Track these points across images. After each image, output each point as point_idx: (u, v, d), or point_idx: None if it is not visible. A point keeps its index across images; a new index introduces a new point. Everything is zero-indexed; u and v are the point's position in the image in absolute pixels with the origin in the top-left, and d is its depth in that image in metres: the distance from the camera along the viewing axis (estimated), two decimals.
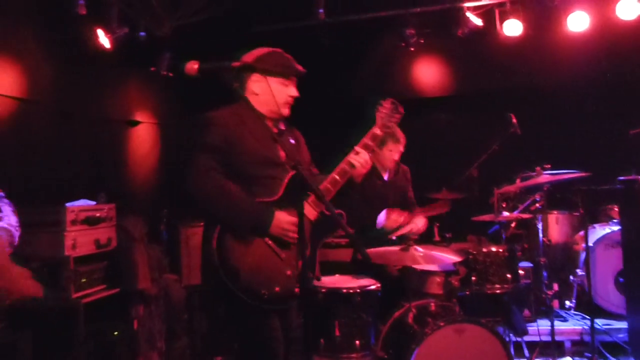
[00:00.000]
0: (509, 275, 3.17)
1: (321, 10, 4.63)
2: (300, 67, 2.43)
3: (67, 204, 3.38)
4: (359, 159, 2.45)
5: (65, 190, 3.91)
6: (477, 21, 4.96)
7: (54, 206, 3.31)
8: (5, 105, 3.67)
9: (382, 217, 3.61)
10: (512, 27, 5.03)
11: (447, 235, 4.44)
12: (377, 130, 2.54)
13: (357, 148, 2.48)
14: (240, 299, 2.21)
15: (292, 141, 2.47)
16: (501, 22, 5.02)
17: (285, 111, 2.44)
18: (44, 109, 3.99)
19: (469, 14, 4.93)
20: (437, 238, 4.71)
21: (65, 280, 3.21)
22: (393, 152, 3.68)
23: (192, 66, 2.00)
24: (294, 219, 2.25)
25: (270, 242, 2.27)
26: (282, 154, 2.40)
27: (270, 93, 2.35)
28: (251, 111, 2.30)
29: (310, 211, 2.34)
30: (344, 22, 5.09)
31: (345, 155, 2.48)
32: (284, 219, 2.27)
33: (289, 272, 2.27)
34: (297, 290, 2.26)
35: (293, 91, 2.44)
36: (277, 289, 2.23)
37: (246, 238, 2.24)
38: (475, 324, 2.86)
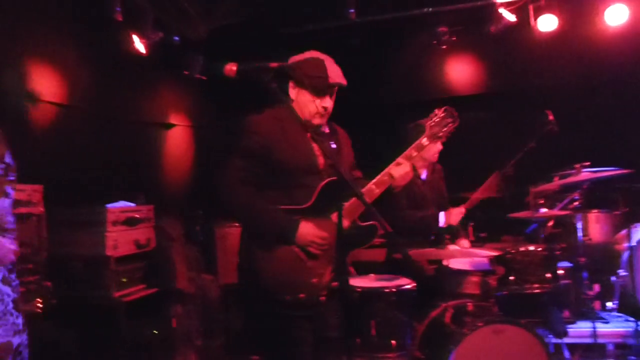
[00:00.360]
0: (548, 275, 3.10)
1: (352, 10, 4.62)
2: (336, 78, 2.36)
3: (108, 205, 3.47)
4: (400, 170, 2.39)
5: (105, 192, 4.02)
6: (511, 17, 4.88)
7: (96, 207, 3.40)
8: (48, 111, 3.79)
9: (442, 218, 3.60)
10: (547, 22, 4.93)
11: (482, 235, 4.38)
12: (424, 141, 2.47)
13: (399, 159, 2.42)
14: (265, 302, 2.24)
15: (334, 145, 2.44)
16: (535, 18, 4.92)
17: (316, 121, 2.40)
18: (83, 114, 4.10)
19: (502, 10, 4.85)
20: (471, 238, 4.64)
21: (107, 279, 3.29)
22: (437, 143, 3.65)
23: (231, 68, 2.03)
24: (320, 232, 2.24)
25: (297, 249, 2.27)
26: (320, 160, 2.39)
27: (306, 103, 2.35)
28: (291, 115, 2.33)
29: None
30: (375, 22, 5.08)
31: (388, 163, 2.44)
32: (308, 231, 2.24)
33: (314, 280, 2.27)
34: (322, 298, 2.27)
35: (326, 102, 2.38)
36: (301, 295, 2.24)
37: (274, 244, 2.25)
38: (514, 324, 2.82)
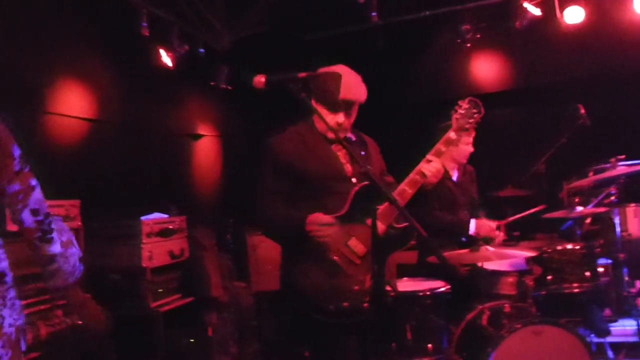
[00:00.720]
0: (587, 274, 3.03)
1: (374, 14, 4.61)
2: (345, 96, 2.31)
3: (142, 218, 3.53)
4: (431, 168, 2.34)
5: (138, 204, 4.09)
6: (535, 11, 4.80)
7: (131, 220, 3.47)
8: (79, 127, 3.89)
9: (473, 225, 3.55)
10: (574, 15, 4.83)
11: (515, 234, 4.30)
12: (452, 135, 2.41)
13: (428, 156, 2.38)
14: (309, 313, 2.24)
15: (362, 152, 2.43)
16: (561, 10, 4.83)
17: (330, 135, 2.37)
18: (114, 128, 4.20)
19: (526, 4, 4.78)
20: (504, 237, 4.56)
21: (143, 290, 3.35)
22: (469, 145, 3.60)
23: (260, 79, 2.04)
24: (324, 217, 2.23)
25: (336, 258, 2.26)
26: (347, 167, 2.39)
27: (322, 116, 2.31)
28: (313, 128, 2.36)
29: (377, 225, 2.25)
30: (397, 23, 5.06)
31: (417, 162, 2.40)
32: (313, 220, 2.24)
33: (356, 288, 2.25)
34: (365, 305, 2.25)
35: (339, 118, 2.35)
36: (345, 304, 2.23)
37: (314, 255, 2.25)
38: (554, 325, 2.75)
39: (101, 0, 3.93)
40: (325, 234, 2.23)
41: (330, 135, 2.36)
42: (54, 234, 1.64)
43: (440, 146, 2.40)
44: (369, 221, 2.26)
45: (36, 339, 2.65)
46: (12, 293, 1.58)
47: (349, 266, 2.25)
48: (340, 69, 2.37)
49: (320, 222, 2.22)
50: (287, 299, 2.32)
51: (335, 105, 2.33)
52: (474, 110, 2.43)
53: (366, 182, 2.27)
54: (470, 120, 2.43)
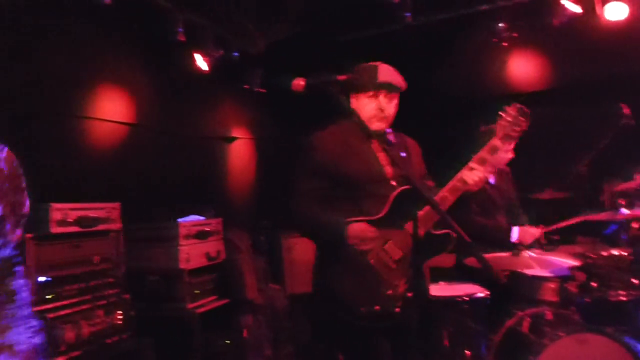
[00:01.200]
0: (634, 281, 2.92)
1: (408, 14, 4.56)
2: (383, 79, 2.34)
3: (180, 220, 3.58)
4: (473, 176, 2.28)
5: (175, 206, 4.15)
6: (575, 8, 4.66)
7: (169, 222, 3.52)
8: (118, 131, 3.98)
9: (515, 232, 3.46)
10: (615, 11, 4.66)
11: (555, 238, 4.18)
12: (497, 142, 2.34)
13: (471, 164, 2.32)
14: (341, 315, 2.22)
15: (403, 154, 2.40)
16: (602, 6, 4.67)
17: (374, 125, 2.35)
18: (151, 132, 4.27)
19: (564, 2, 4.64)
20: (543, 241, 4.45)
21: (181, 292, 3.39)
22: (508, 152, 3.53)
23: (299, 82, 2.03)
24: (367, 228, 2.20)
25: (372, 261, 2.23)
26: (387, 169, 2.37)
27: (363, 107, 2.34)
28: (355, 127, 2.33)
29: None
30: (432, 23, 4.99)
31: (459, 168, 2.35)
32: (355, 229, 2.21)
33: (389, 292, 2.22)
34: (397, 310, 2.21)
35: (380, 103, 2.35)
36: (377, 307, 2.20)
37: (348, 257, 2.23)
38: (600, 333, 2.66)
39: (138, 7, 4.00)
40: (368, 247, 2.21)
41: (374, 125, 2.33)
42: None
43: (484, 154, 2.34)
44: (407, 226, 2.24)
45: (78, 338, 2.71)
46: (25, 311, 1.61)
47: (384, 270, 2.23)
48: (375, 63, 2.40)
49: (365, 237, 2.20)
50: (319, 300, 2.31)
51: (374, 89, 2.33)
52: (522, 118, 2.36)
53: (407, 187, 2.24)
54: (517, 129, 2.35)
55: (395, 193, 2.27)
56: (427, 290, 2.70)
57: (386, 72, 2.36)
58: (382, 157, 2.38)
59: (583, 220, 3.57)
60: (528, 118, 2.38)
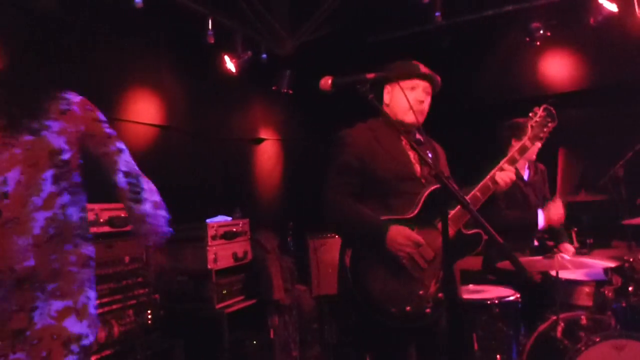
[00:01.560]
0: None
1: (438, 14, 4.51)
2: (426, 70, 2.35)
3: (208, 220, 3.61)
4: (504, 176, 2.32)
5: (204, 206, 4.20)
6: (612, 7, 4.54)
7: (197, 223, 3.55)
8: (149, 133, 4.04)
9: (541, 217, 3.40)
10: None
11: (588, 241, 4.08)
12: (527, 143, 2.42)
13: (502, 164, 2.35)
14: (371, 317, 2.18)
15: (430, 154, 2.37)
16: None
17: (410, 118, 2.32)
18: (179, 133, 4.33)
19: (601, 0, 4.53)
20: (576, 244, 4.33)
21: (209, 292, 3.42)
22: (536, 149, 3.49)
23: (327, 81, 2.02)
24: (412, 235, 2.16)
25: (405, 261, 2.19)
26: (417, 168, 2.34)
27: (401, 98, 2.30)
28: (385, 125, 2.33)
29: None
30: (462, 23, 4.92)
31: (490, 167, 2.37)
32: (398, 233, 2.16)
33: (421, 292, 2.19)
34: (428, 310, 2.18)
35: (419, 95, 2.33)
36: (408, 308, 2.17)
37: (379, 256, 2.19)
38: (637, 339, 2.57)
39: (168, 10, 4.06)
40: (408, 251, 2.16)
41: (409, 118, 2.31)
42: (145, 194, 1.71)
43: (515, 154, 2.39)
44: (439, 225, 2.21)
45: (109, 337, 2.75)
46: (94, 277, 1.65)
47: (416, 270, 2.19)
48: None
49: (408, 243, 2.15)
50: (348, 299, 2.24)
51: (418, 78, 2.32)
52: (549, 119, 2.46)
53: (438, 185, 2.21)
54: (545, 129, 2.46)
55: (427, 192, 2.24)
56: (457, 291, 2.65)
57: (425, 69, 2.37)
58: (412, 155, 2.36)
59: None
60: (555, 118, 2.47)
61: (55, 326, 1.55)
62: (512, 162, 2.36)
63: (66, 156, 1.57)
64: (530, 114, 2.49)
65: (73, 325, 1.58)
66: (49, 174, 1.54)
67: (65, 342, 1.56)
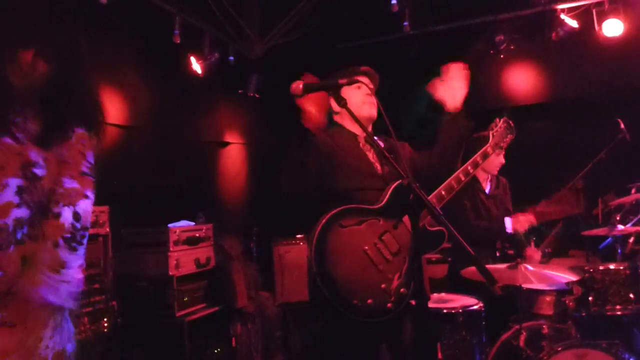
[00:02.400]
0: (631, 295, 2.89)
1: (406, 23, 4.55)
2: (365, 69, 2.47)
3: (170, 225, 3.50)
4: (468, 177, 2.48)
5: (165, 210, 4.08)
6: (573, 23, 4.69)
7: (159, 227, 3.45)
8: (110, 133, 3.89)
9: (508, 223, 3.48)
10: (612, 27, 4.70)
11: (547, 250, 4.16)
12: (489, 149, 2.61)
13: (466, 166, 2.50)
14: (336, 309, 2.13)
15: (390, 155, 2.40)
16: (599, 23, 4.71)
17: (364, 112, 2.39)
18: (143, 134, 4.21)
19: (563, 16, 4.67)
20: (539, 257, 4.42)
21: (170, 299, 3.31)
22: (499, 156, 3.57)
23: (297, 86, 2.00)
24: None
25: (369, 251, 2.18)
26: (377, 166, 2.39)
27: (353, 106, 2.26)
28: (344, 131, 2.42)
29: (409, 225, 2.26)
30: (430, 33, 4.99)
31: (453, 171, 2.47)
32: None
33: (383, 286, 2.16)
34: (389, 305, 2.15)
35: (367, 90, 2.40)
36: (369, 301, 2.13)
37: (345, 245, 2.17)
38: (598, 348, 2.62)
39: (135, 7, 3.95)
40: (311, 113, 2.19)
41: (365, 111, 2.40)
42: (81, 250, 1.56)
43: (477, 158, 2.56)
44: (405, 219, 2.24)
45: None
46: (63, 315, 1.52)
47: (379, 261, 2.18)
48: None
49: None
50: (315, 295, 2.18)
51: (357, 75, 2.42)
52: (508, 131, 2.70)
53: (404, 180, 2.21)
54: (505, 139, 2.69)
55: (393, 185, 2.28)
56: (425, 290, 2.64)
57: (366, 68, 2.50)
58: (371, 155, 2.41)
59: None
60: (513, 131, 2.70)
61: None
62: (474, 165, 2.53)
63: (39, 171, 1.46)
64: (492, 125, 2.70)
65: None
66: (13, 182, 1.43)
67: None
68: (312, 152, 2.31)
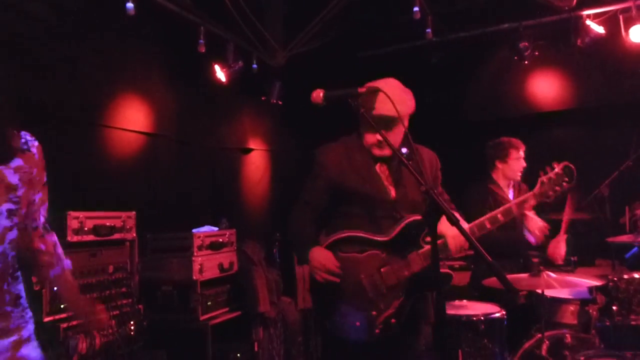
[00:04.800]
0: None
1: (428, 30, 4.55)
2: (378, 111, 2.19)
3: (194, 230, 3.57)
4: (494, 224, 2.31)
5: (189, 216, 4.16)
6: (599, 29, 4.62)
7: (184, 232, 3.51)
8: (137, 140, 4.00)
9: (529, 236, 3.43)
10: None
11: (573, 259, 4.10)
12: (531, 199, 2.31)
13: (498, 212, 2.30)
14: (329, 327, 2.20)
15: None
16: (626, 29, 4.63)
17: (375, 152, 2.30)
18: (168, 141, 4.30)
19: (589, 22, 4.61)
20: (559, 262, 4.36)
21: (193, 303, 3.37)
22: (520, 160, 3.54)
23: (318, 94, 2.02)
24: (328, 261, 2.17)
25: (365, 281, 2.21)
26: (391, 190, 2.32)
27: (365, 134, 2.31)
28: (360, 145, 2.34)
29: (416, 262, 2.22)
30: (453, 40, 4.98)
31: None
32: (316, 257, 2.20)
33: (373, 313, 2.19)
34: (377, 331, 2.17)
35: (380, 136, 2.14)
36: (357, 323, 2.17)
37: (344, 271, 2.19)
38: (621, 358, 2.58)
39: (161, 18, 4.05)
40: (321, 278, 2.18)
41: (375, 152, 2.30)
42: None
43: (512, 207, 2.32)
44: (410, 256, 2.23)
45: (90, 348, 2.70)
46: (29, 313, 1.64)
47: (374, 291, 2.20)
48: (384, 82, 2.27)
49: (326, 268, 2.17)
50: (316, 312, 2.31)
51: (372, 121, 2.13)
52: (565, 179, 2.28)
53: (418, 217, 2.24)
54: (557, 188, 2.29)
55: (406, 221, 2.24)
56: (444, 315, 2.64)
57: (383, 103, 2.15)
58: (384, 177, 2.33)
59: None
60: (573, 179, 2.28)
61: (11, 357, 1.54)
62: (507, 214, 2.30)
63: (20, 192, 1.59)
64: (547, 168, 2.31)
65: (30, 352, 1.59)
66: (4, 207, 1.55)
67: None
68: (323, 172, 2.33)
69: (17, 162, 1.59)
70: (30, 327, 1.64)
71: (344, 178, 2.29)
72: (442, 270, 2.18)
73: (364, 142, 2.33)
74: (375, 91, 2.14)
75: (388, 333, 2.19)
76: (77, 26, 3.46)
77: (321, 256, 2.20)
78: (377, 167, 2.34)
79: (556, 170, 2.29)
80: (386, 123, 2.21)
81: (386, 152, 2.29)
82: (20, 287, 1.63)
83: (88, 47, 3.56)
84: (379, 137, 2.22)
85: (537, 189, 2.30)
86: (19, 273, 1.63)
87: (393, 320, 2.20)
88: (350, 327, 2.17)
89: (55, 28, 3.29)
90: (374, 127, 2.07)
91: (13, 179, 1.57)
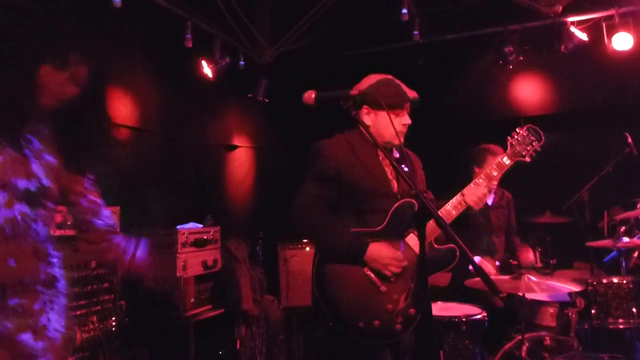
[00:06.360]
0: (634, 309, 2.91)
1: (416, 32, 4.59)
2: (411, 93, 2.32)
3: (178, 227, 3.54)
4: (477, 192, 2.30)
5: (173, 212, 4.12)
6: (583, 35, 4.71)
7: (168, 229, 3.48)
8: (121, 135, 3.95)
9: (524, 258, 3.55)
10: (622, 41, 4.71)
11: (551, 262, 4.17)
12: (505, 160, 2.39)
13: (477, 180, 2.34)
14: (339, 329, 2.14)
15: (406, 169, 2.33)
16: (609, 36, 4.72)
17: (397, 141, 2.30)
18: (153, 137, 4.25)
19: (573, 29, 4.69)
20: (539, 264, 4.44)
21: (177, 300, 3.35)
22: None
23: (310, 95, 2.02)
24: (394, 252, 2.16)
25: (370, 273, 2.18)
26: (394, 184, 2.33)
27: (387, 124, 2.24)
28: (363, 140, 2.32)
29: (417, 244, 2.20)
30: (439, 42, 5.02)
31: (464, 184, 2.36)
32: (380, 252, 2.16)
33: (389, 306, 2.16)
34: (398, 327, 2.15)
35: (406, 119, 2.31)
36: (376, 322, 2.13)
37: (345, 267, 2.17)
38: None
39: (147, 11, 4.00)
40: (397, 269, 2.15)
41: (397, 141, 2.29)
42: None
43: (490, 170, 2.37)
44: (407, 238, 2.23)
45: (71, 344, 2.66)
46: (62, 301, 1.60)
47: (382, 283, 2.17)
48: (380, 76, 2.33)
49: (395, 257, 2.15)
50: (317, 310, 2.21)
51: (402, 106, 2.29)
52: (533, 138, 2.41)
53: (407, 199, 2.23)
54: (529, 148, 2.39)
55: (396, 205, 2.24)
56: (430, 308, 2.66)
57: (407, 88, 2.32)
58: (388, 171, 2.35)
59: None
60: (541, 138, 2.43)
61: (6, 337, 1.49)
62: (488, 178, 2.34)
63: (46, 183, 1.58)
64: (512, 133, 2.44)
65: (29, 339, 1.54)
66: (22, 183, 1.53)
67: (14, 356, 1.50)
68: (330, 162, 2.28)
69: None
70: (53, 319, 1.59)
71: (353, 171, 2.27)
72: (443, 246, 2.27)
73: (384, 134, 2.30)
74: (390, 81, 2.29)
75: (409, 326, 2.17)
76: (61, 17, 3.39)
77: (383, 250, 2.16)
78: (381, 159, 2.35)
79: (521, 132, 2.42)
80: (412, 104, 2.33)
81: (402, 139, 2.34)
82: (59, 273, 1.61)
83: (72, 39, 3.49)
84: (406, 120, 2.31)
85: (508, 150, 2.40)
86: (55, 260, 1.60)
87: (412, 311, 2.18)
88: (370, 329, 2.11)
89: (39, 20, 3.22)
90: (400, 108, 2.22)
91: (38, 169, 1.58)
